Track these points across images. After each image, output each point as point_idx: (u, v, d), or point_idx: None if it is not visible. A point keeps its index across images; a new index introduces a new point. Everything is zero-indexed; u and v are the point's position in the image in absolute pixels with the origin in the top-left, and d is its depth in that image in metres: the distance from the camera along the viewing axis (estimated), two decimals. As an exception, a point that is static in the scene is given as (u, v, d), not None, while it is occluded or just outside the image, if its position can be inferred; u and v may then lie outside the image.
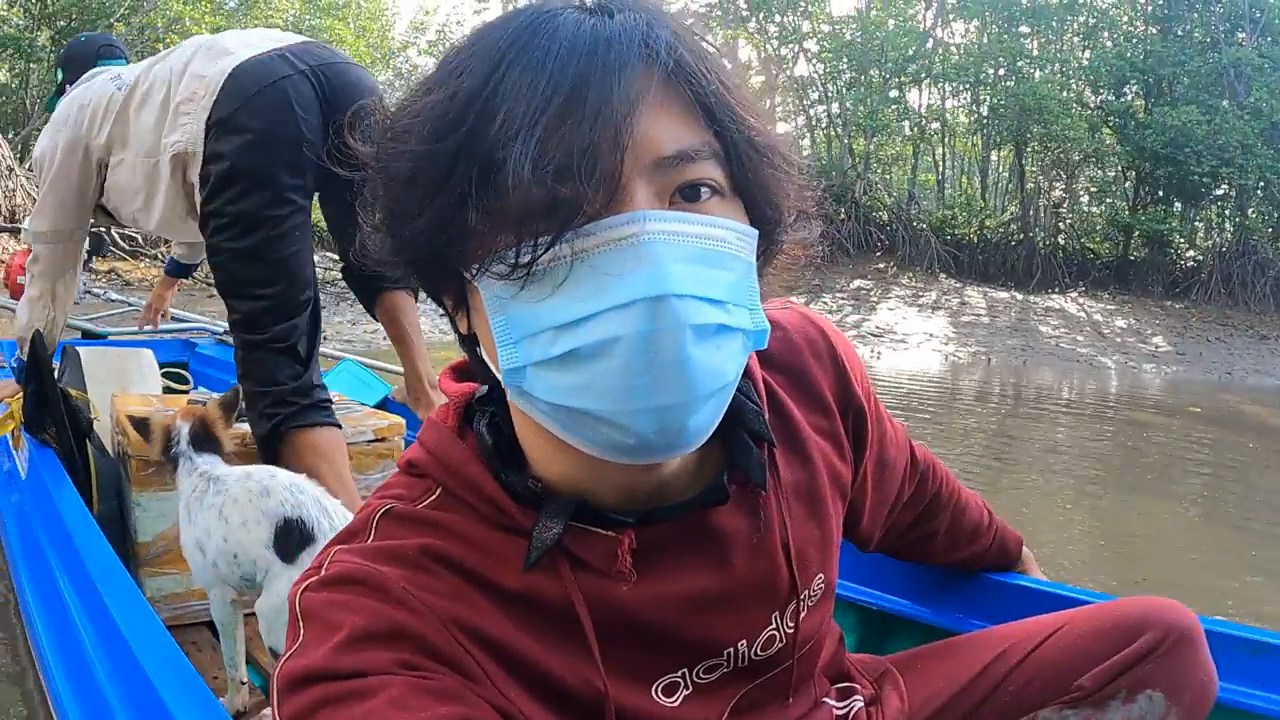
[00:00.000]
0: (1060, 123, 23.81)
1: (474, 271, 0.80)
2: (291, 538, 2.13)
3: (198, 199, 2.73)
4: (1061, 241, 25.73)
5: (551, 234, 0.75)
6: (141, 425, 2.25)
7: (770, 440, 1.01)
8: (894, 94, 26.07)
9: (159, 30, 24.17)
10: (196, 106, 2.69)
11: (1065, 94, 25.26)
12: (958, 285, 22.23)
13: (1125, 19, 26.76)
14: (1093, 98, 26.29)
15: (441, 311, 0.94)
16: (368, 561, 0.86)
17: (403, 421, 3.00)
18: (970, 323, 18.85)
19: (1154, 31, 26.00)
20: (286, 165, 2.66)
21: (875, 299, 20.16)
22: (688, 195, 0.81)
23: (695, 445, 0.82)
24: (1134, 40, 25.98)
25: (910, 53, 25.22)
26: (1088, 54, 26.46)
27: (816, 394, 1.12)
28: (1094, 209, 27.04)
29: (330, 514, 2.19)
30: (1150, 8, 26.12)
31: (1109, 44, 25.91)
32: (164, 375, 3.97)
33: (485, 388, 1.00)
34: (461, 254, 0.81)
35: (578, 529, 0.91)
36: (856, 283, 21.13)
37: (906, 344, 16.47)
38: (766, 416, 1.02)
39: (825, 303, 19.03)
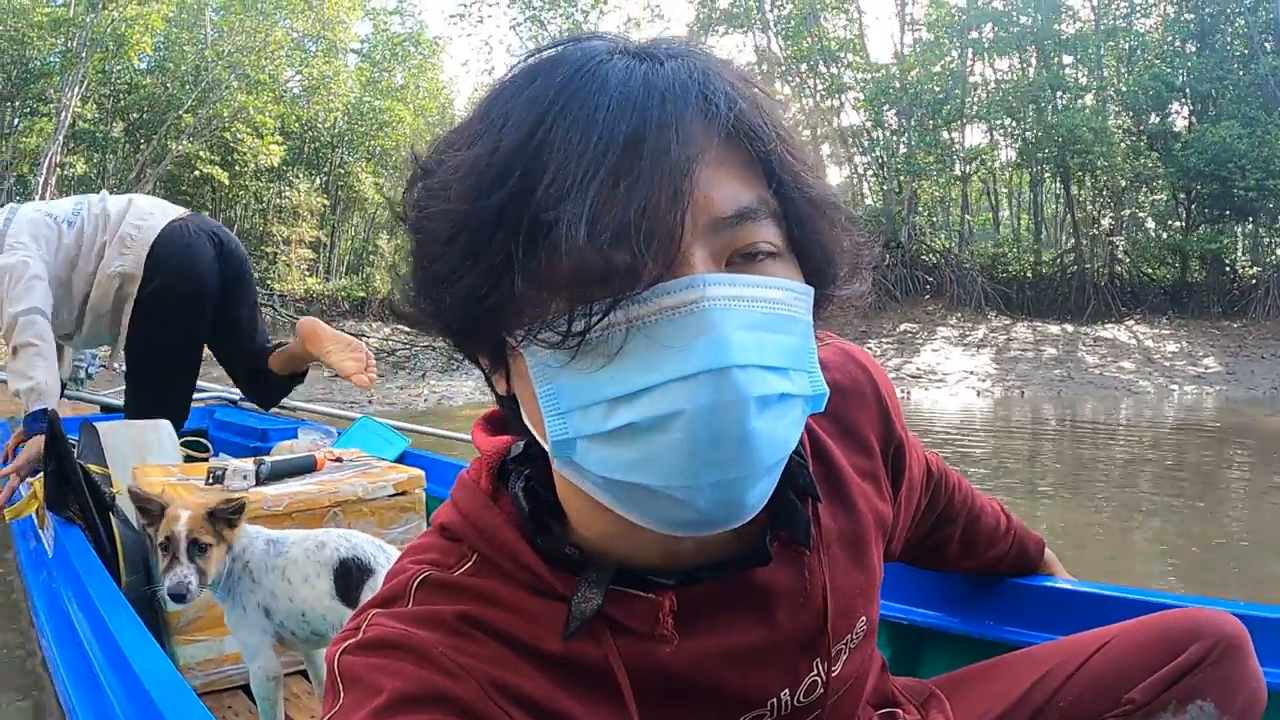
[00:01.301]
0: (1094, 151, 23.86)
1: (519, 338, 0.75)
2: (351, 576, 2.18)
3: (128, 308, 3.97)
4: (1118, 270, 25.61)
5: (606, 301, 0.71)
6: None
7: (816, 496, 0.98)
8: (938, 136, 26.28)
9: (224, 120, 25.12)
10: (138, 244, 3.92)
11: (1104, 121, 25.26)
12: (1007, 322, 22.37)
13: (1159, 39, 26.85)
14: (1130, 122, 26.32)
15: (477, 370, 0.89)
16: (406, 626, 0.84)
17: (422, 474, 3.02)
18: (1014, 358, 19.00)
19: (1192, 49, 26.01)
20: (190, 295, 4.03)
21: (920, 341, 20.42)
22: (745, 257, 0.77)
23: (752, 515, 0.79)
24: (1170, 59, 25.98)
25: (941, 95, 25.42)
26: (1129, 78, 26.42)
27: (860, 435, 1.10)
28: (1147, 234, 26.89)
29: (385, 549, 2.27)
30: (1188, 24, 26.07)
31: (1147, 66, 25.82)
32: (183, 444, 3.98)
33: (520, 445, 0.97)
34: (505, 319, 0.76)
35: (618, 592, 0.88)
36: (903, 326, 21.36)
37: (945, 383, 16.72)
38: (811, 466, 0.99)
39: (870, 348, 19.32)
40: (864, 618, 1.04)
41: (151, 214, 4.02)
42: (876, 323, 20.76)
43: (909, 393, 15.42)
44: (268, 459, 3.02)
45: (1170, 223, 26.38)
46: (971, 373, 17.49)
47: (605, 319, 0.71)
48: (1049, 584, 1.72)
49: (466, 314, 0.78)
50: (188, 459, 3.87)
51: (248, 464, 2.94)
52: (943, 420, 12.31)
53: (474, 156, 0.75)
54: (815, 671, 0.98)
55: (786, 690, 0.96)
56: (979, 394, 15.70)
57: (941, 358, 18.71)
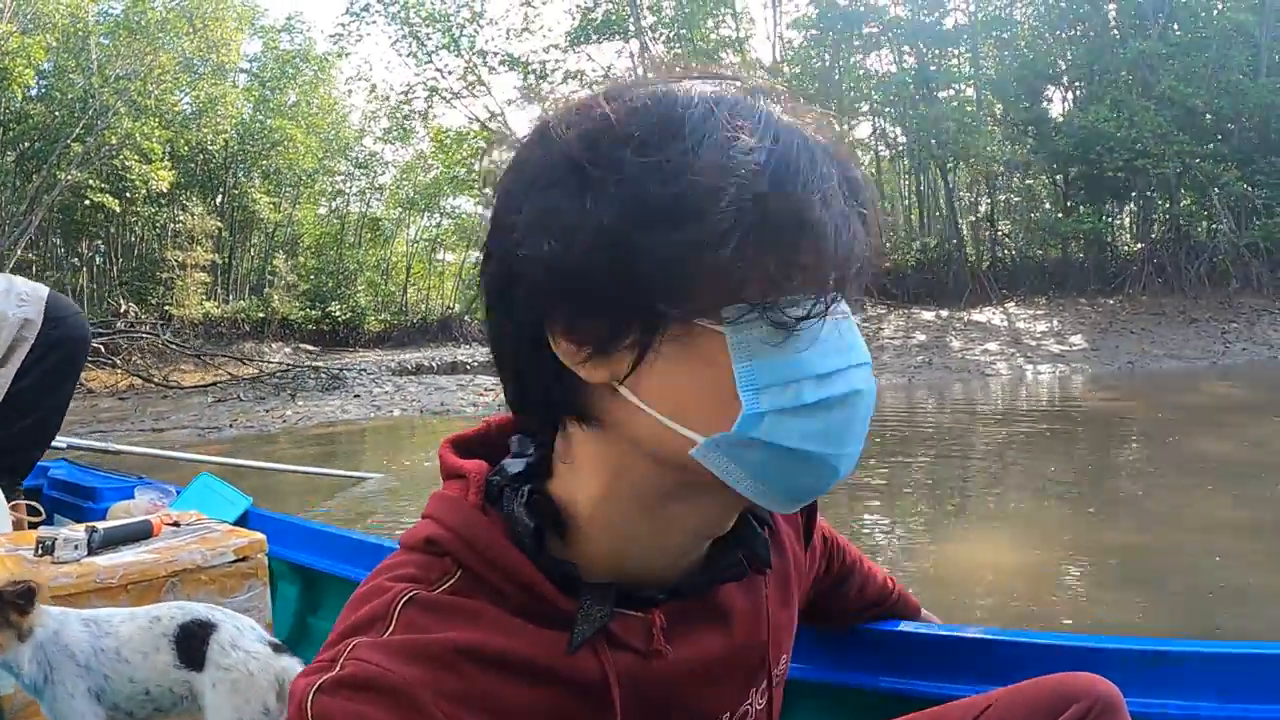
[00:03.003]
0: (959, 141, 24.53)
1: (736, 314, 0.79)
2: (194, 638, 2.11)
3: (21, 351, 3.91)
4: (1001, 254, 26.37)
5: (830, 295, 0.80)
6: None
7: (771, 525, 1.06)
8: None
9: (113, 148, 24.97)
10: (35, 298, 3.93)
11: (975, 110, 26.05)
12: (882, 311, 22.65)
13: (1030, 27, 27.75)
14: (1002, 110, 27.12)
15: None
16: (391, 663, 0.79)
17: (263, 537, 2.84)
18: (880, 347, 19.33)
19: (1064, 36, 26.82)
20: (80, 355, 4.13)
21: None
22: None
23: None
24: (1041, 46, 26.82)
25: (814, 90, 25.96)
26: (999, 66, 27.35)
27: None
28: (1028, 218, 27.71)
29: (217, 608, 2.23)
30: (1059, 11, 26.93)
31: (1018, 54, 26.66)
32: (14, 509, 3.60)
33: (521, 464, 0.97)
34: (719, 292, 0.79)
35: (615, 611, 0.90)
36: None
37: None
38: None
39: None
40: (785, 656, 1.11)
41: (33, 284, 4.09)
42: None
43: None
44: (100, 525, 2.79)
45: (1050, 205, 27.18)
46: (833, 364, 17.77)
47: (828, 310, 0.80)
48: (910, 628, 1.69)
49: (672, 280, 0.79)
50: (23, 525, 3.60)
51: (79, 531, 2.69)
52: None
53: (744, 144, 0.79)
54: (749, 700, 1.03)
55: (728, 714, 1.01)
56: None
57: (805, 352, 18.96)
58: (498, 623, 0.86)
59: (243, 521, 3.54)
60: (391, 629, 0.83)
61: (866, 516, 6.62)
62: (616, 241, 0.78)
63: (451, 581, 0.88)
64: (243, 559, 2.75)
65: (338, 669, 0.79)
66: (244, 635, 2.13)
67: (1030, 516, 6.69)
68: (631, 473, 0.87)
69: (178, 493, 3.92)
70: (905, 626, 1.68)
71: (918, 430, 10.62)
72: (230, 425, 14.03)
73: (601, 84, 0.89)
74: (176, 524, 2.97)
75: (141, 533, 2.81)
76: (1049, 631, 1.57)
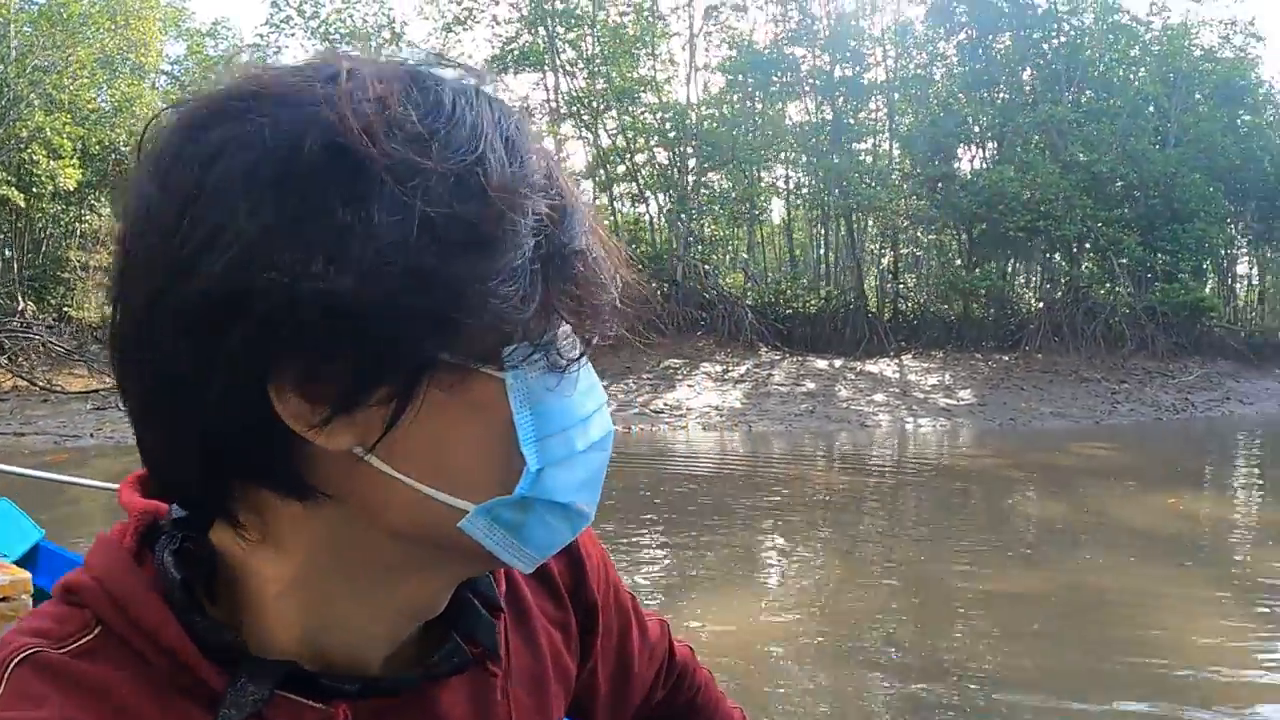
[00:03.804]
0: (867, 194, 24.78)
1: (521, 355, 0.67)
2: None
3: None
4: (900, 307, 26.75)
5: (602, 330, 0.72)
6: None
7: (501, 609, 0.89)
8: (738, 176, 27.11)
9: (22, 141, 24.49)
10: None
11: (884, 164, 26.55)
12: (776, 357, 22.74)
13: (942, 87, 28.23)
14: (913, 165, 27.50)
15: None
16: None
17: (28, 577, 2.69)
18: (767, 393, 19.34)
19: (979, 96, 27.26)
20: None
21: (680, 377, 20.48)
22: None
23: None
24: (957, 106, 27.25)
25: (720, 133, 26.16)
26: (914, 122, 27.72)
27: (550, 579, 1.01)
28: (932, 272, 28.18)
29: None
30: (972, 73, 27.42)
31: (931, 112, 27.13)
32: None
33: (183, 512, 0.79)
34: (495, 335, 0.66)
35: (283, 698, 0.73)
36: (667, 362, 21.34)
37: (684, 418, 16.92)
38: (502, 588, 0.91)
39: (627, 385, 19.24)
40: None
41: None
42: (639, 360, 20.35)
43: (629, 428, 15.48)
44: None
45: (954, 261, 27.58)
46: (715, 408, 17.74)
47: (590, 347, 0.71)
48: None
49: (461, 316, 0.64)
50: None
51: None
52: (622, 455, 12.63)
53: (529, 158, 0.68)
54: None
55: None
56: (705, 428, 16.05)
57: (694, 394, 18.92)
58: (129, 700, 0.68)
59: (30, 556, 3.33)
60: None
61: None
62: (411, 266, 0.61)
63: (87, 639, 0.71)
64: (3, 599, 2.59)
65: None
66: None
67: (783, 579, 6.81)
68: (354, 549, 0.71)
69: (-21, 520, 3.70)
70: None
71: (746, 480, 10.74)
72: (91, 435, 13.89)
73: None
74: (-54, 556, 2.83)
75: (-97, 563, 2.68)
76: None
